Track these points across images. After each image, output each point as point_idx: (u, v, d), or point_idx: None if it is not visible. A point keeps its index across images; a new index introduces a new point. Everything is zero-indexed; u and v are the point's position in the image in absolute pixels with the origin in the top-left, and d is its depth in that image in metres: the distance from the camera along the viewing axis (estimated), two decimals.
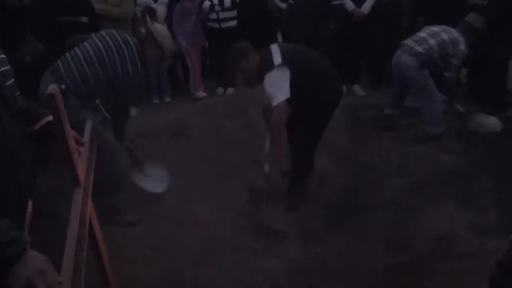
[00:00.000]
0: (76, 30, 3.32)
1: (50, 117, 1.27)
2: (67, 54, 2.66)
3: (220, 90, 5.23)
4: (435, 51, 3.50)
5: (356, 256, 2.51)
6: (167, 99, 4.99)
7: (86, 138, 1.45)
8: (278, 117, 2.73)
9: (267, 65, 2.69)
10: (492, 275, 1.23)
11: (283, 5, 5.02)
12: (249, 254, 2.56)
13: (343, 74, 4.98)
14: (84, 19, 3.68)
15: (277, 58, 2.69)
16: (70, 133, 1.26)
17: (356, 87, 5.00)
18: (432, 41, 3.51)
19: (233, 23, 4.92)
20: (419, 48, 3.51)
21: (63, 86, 2.50)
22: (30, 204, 1.22)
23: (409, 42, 3.61)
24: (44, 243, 1.35)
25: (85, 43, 2.68)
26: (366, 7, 4.61)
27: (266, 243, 2.64)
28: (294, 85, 2.65)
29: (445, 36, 3.52)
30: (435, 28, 3.59)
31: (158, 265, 2.46)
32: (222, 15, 4.82)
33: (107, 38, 2.66)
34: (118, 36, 2.68)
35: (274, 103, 2.66)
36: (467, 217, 2.73)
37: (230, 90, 5.18)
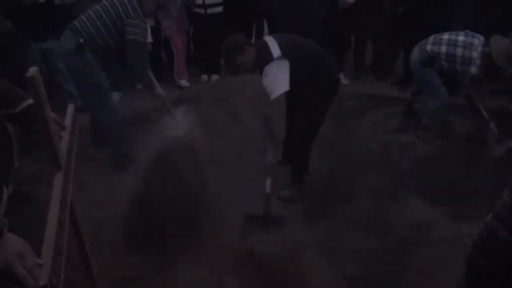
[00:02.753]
0: (35, 11, 3.60)
1: (31, 100, 1.25)
2: (82, 15, 3.05)
3: (204, 77, 5.20)
4: (442, 59, 3.38)
5: (337, 241, 2.55)
6: None
7: (68, 121, 1.43)
8: (278, 108, 2.65)
9: (266, 57, 2.62)
10: (468, 256, 1.27)
11: None
12: (232, 237, 2.58)
13: None
14: (42, 0, 3.77)
15: (275, 50, 2.61)
16: (51, 116, 1.25)
17: (340, 76, 5.01)
18: (443, 49, 3.35)
19: (219, 9, 4.86)
20: (429, 47, 3.42)
21: (81, 40, 2.93)
22: (5, 190, 1.20)
23: (430, 38, 3.48)
24: (25, 226, 1.33)
25: (96, 6, 3.07)
26: None
27: (249, 228, 2.66)
28: (293, 75, 2.60)
29: (459, 52, 3.27)
30: (461, 38, 3.31)
31: (140, 250, 2.47)
32: (208, 0, 4.76)
33: (116, 2, 3.02)
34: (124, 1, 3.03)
35: (273, 96, 2.59)
36: (444, 205, 2.81)
37: (215, 77, 5.15)
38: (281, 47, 2.62)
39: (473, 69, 3.21)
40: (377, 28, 4.87)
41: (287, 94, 2.61)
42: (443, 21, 4.16)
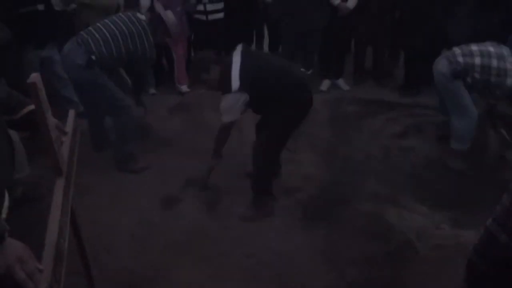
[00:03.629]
0: (34, 18, 3.59)
1: (32, 106, 1.26)
2: (93, 30, 3.11)
3: None
4: (476, 72, 3.14)
5: (337, 247, 2.55)
6: (152, 91, 4.95)
7: (69, 127, 1.44)
8: (223, 132, 2.78)
9: (225, 84, 2.61)
10: (468, 260, 1.27)
11: None
12: (230, 244, 2.58)
13: (328, 68, 5.08)
14: (41, 7, 3.73)
15: (235, 79, 2.56)
16: (53, 122, 1.26)
17: (341, 81, 5.04)
18: (477, 61, 3.13)
19: (220, 15, 4.89)
20: (460, 59, 3.19)
21: (93, 57, 3.00)
22: (7, 196, 1.20)
23: (456, 49, 3.26)
24: (26, 230, 1.34)
25: (108, 22, 3.16)
26: (351, 2, 4.63)
27: (249, 233, 2.67)
28: (259, 97, 2.63)
29: (494, 63, 3.09)
30: (491, 49, 3.14)
31: (140, 255, 2.47)
32: (209, 7, 4.78)
33: (127, 20, 3.17)
34: (134, 18, 3.20)
35: (224, 120, 2.70)
36: (445, 210, 2.81)
37: None
38: (242, 76, 2.57)
39: (510, 81, 3.07)
40: (377, 33, 4.89)
41: (256, 110, 2.77)
42: (442, 25, 4.19)
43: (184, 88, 4.97)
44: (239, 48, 2.72)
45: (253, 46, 5.58)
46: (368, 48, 5.18)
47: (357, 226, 2.72)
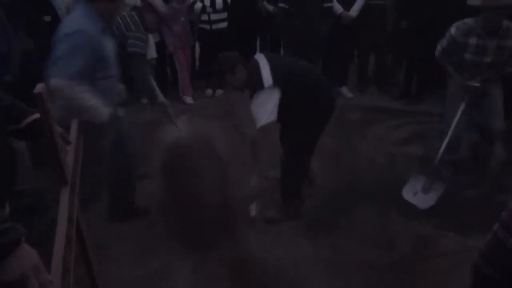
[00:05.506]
0: (41, 29, 3.55)
1: (37, 115, 1.27)
2: None
3: (209, 91, 5.25)
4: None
5: (341, 255, 2.54)
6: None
7: (72, 136, 1.45)
8: (258, 141, 2.70)
9: (256, 83, 2.56)
10: (475, 265, 1.27)
11: (271, 7, 5.05)
12: (234, 249, 2.58)
13: (331, 76, 5.09)
14: (48, 19, 3.77)
15: (266, 76, 2.53)
16: (58, 131, 1.26)
17: (344, 89, 5.05)
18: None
19: (224, 24, 4.93)
20: None
21: None
22: (7, 206, 1.20)
23: None
24: (31, 242, 1.34)
25: None
26: (354, 11, 4.66)
27: (253, 240, 2.66)
28: (286, 101, 2.57)
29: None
30: None
31: (145, 263, 2.47)
32: (214, 16, 4.83)
33: None
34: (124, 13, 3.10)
35: (259, 124, 2.58)
36: (451, 217, 2.79)
37: (219, 91, 5.19)
38: (273, 74, 2.54)
39: None
40: (380, 41, 4.91)
41: (280, 118, 2.63)
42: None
43: (189, 99, 4.99)
44: (259, 54, 2.73)
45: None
46: (371, 56, 5.20)
47: (361, 234, 2.70)
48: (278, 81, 2.53)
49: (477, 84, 2.94)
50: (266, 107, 2.55)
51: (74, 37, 2.18)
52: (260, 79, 2.55)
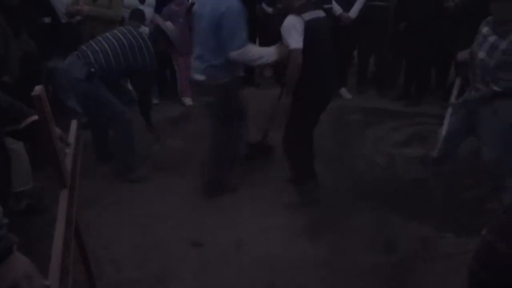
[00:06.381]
0: (41, 30, 3.63)
1: (35, 116, 1.26)
2: (92, 43, 3.16)
3: None
4: None
5: (341, 257, 2.53)
6: (155, 101, 4.96)
7: (72, 138, 1.44)
8: (294, 58, 2.67)
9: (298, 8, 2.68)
10: (470, 269, 1.27)
11: (270, 9, 5.04)
12: (233, 252, 2.57)
13: None
14: (48, 20, 3.82)
15: (306, 14, 2.66)
16: (57, 133, 1.26)
17: (343, 90, 5.05)
18: None
19: None
20: None
21: (92, 70, 3.02)
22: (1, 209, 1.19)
23: None
24: (31, 243, 1.34)
25: (108, 35, 3.20)
26: (353, 12, 4.66)
27: (253, 241, 2.65)
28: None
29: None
30: None
31: (143, 266, 2.46)
32: None
33: (127, 32, 3.22)
34: (135, 32, 3.25)
35: (291, 47, 2.67)
36: (450, 219, 2.78)
37: None
38: (308, 25, 2.65)
39: None
40: (379, 43, 4.91)
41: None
42: (448, 37, 4.19)
43: (188, 101, 4.98)
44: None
45: None
46: (370, 58, 5.21)
47: (361, 235, 2.70)
48: (309, 26, 2.66)
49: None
50: (293, 32, 2.65)
51: (232, 12, 2.66)
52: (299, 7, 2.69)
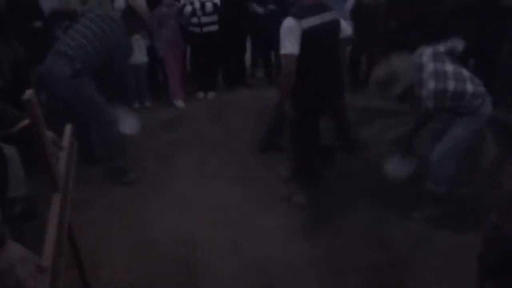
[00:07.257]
0: (31, 35, 3.64)
1: (27, 121, 1.24)
2: (67, 39, 3.10)
3: (201, 94, 5.23)
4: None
5: (338, 255, 2.54)
6: (148, 104, 4.96)
7: (65, 142, 1.43)
8: (287, 65, 2.62)
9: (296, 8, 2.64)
10: (480, 252, 1.29)
11: (261, 10, 5.04)
12: (229, 253, 2.57)
13: None
14: (38, 24, 3.75)
15: (305, 20, 2.58)
16: (49, 138, 1.25)
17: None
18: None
19: (214, 27, 4.92)
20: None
21: (78, 65, 2.99)
22: None
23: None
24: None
25: (78, 25, 3.15)
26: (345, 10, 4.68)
27: (248, 240, 2.65)
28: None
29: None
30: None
31: (138, 269, 2.45)
32: (204, 19, 4.81)
33: (95, 17, 3.16)
34: (105, 15, 3.19)
35: (282, 52, 2.61)
36: (447, 216, 2.79)
37: (211, 94, 5.18)
38: (305, 33, 2.58)
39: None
40: (371, 41, 4.92)
41: None
42: (437, 36, 4.21)
43: (179, 103, 4.97)
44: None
45: (247, 56, 5.62)
46: (362, 57, 5.22)
47: (357, 233, 2.71)
48: (308, 30, 2.59)
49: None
50: (289, 36, 2.59)
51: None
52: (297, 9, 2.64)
